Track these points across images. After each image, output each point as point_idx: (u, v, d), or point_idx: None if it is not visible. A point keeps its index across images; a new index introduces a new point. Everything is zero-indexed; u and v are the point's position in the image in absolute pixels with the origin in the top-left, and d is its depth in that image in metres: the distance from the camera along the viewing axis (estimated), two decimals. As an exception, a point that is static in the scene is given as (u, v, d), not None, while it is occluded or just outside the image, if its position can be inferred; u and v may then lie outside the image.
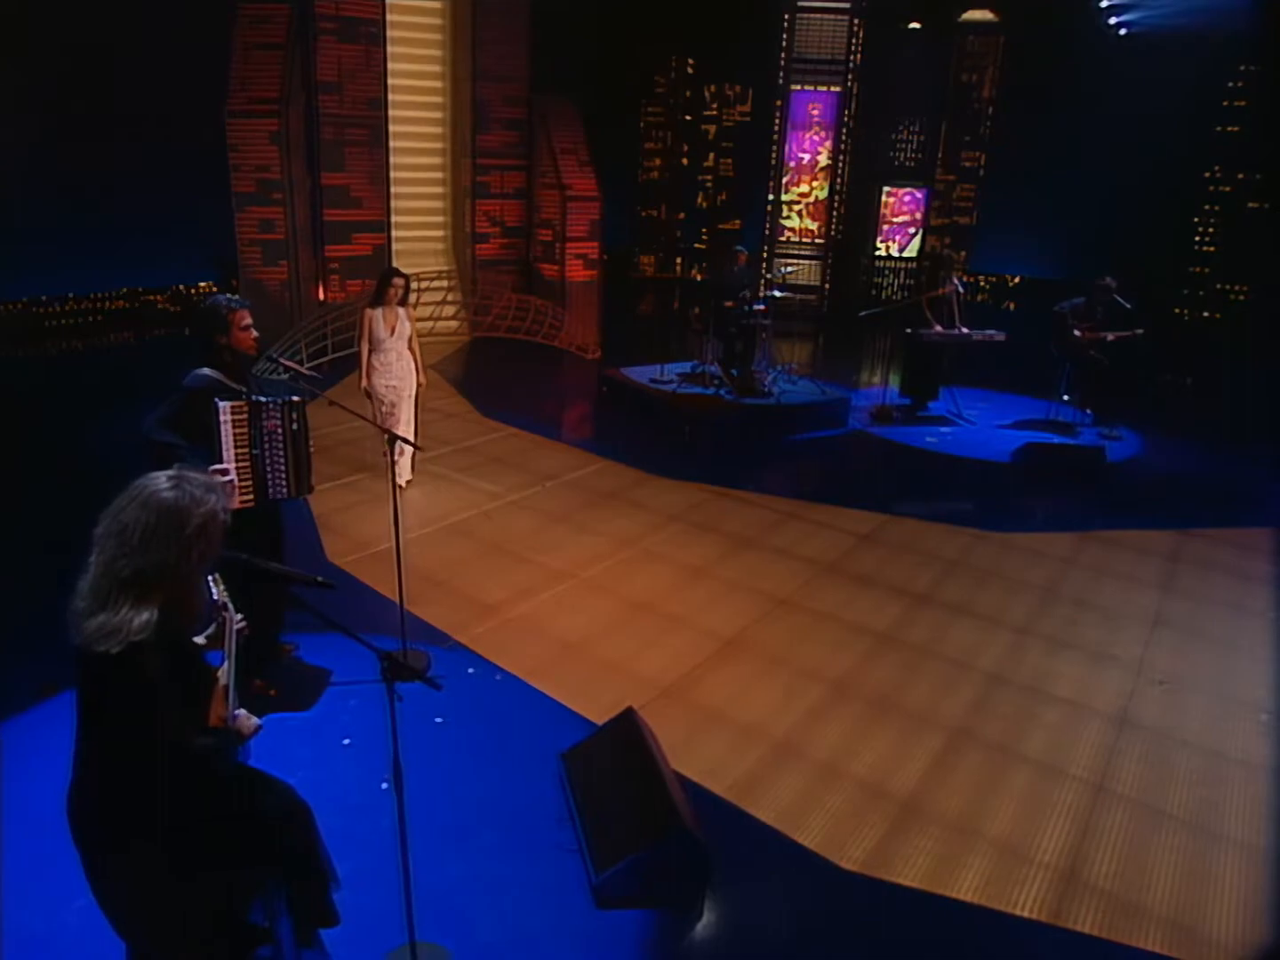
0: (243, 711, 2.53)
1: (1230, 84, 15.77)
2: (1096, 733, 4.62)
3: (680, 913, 3.38)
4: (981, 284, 19.84)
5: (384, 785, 3.98)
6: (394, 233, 14.60)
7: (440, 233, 15.52)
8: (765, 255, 17.95)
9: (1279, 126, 15.38)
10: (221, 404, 4.08)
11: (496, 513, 7.18)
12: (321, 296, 13.90)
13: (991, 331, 10.24)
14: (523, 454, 8.65)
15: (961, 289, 10.31)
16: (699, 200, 20.24)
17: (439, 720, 4.46)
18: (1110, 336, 9.69)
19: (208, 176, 13.14)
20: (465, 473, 8.00)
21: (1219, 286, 16.36)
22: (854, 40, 17.44)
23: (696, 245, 20.73)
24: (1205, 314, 16.45)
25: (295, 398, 4.32)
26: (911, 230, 18.15)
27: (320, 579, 2.64)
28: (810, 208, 18.06)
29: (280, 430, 4.21)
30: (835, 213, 18.03)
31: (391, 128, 14.18)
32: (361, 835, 3.56)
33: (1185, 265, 16.66)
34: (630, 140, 20.76)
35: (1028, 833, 3.88)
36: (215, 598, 2.70)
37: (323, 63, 13.10)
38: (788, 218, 18.23)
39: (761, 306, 9.82)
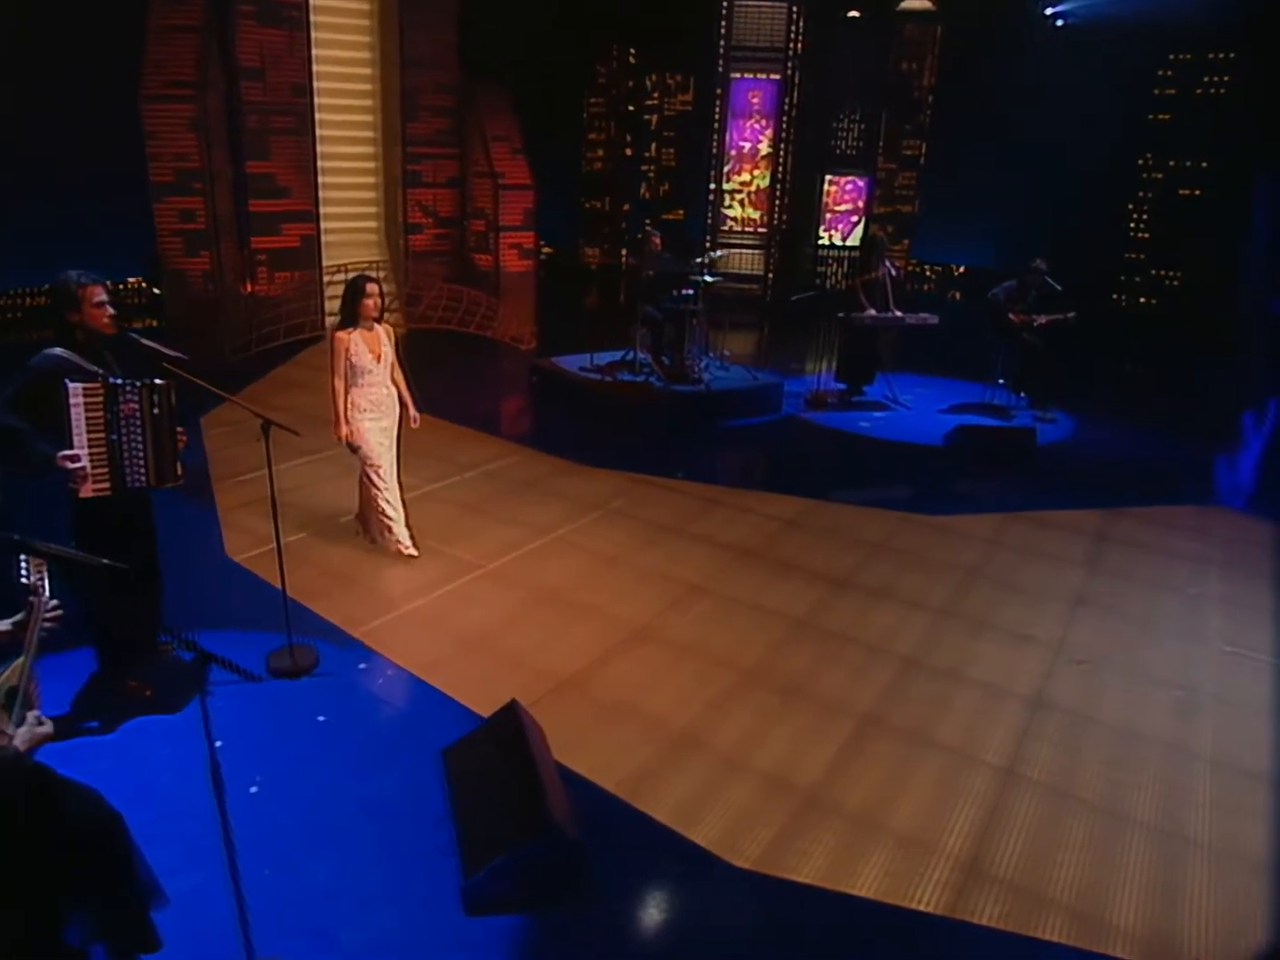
0: (32, 715, 2.26)
1: (1160, 72, 15.93)
2: (1011, 715, 4.48)
3: (554, 916, 3.17)
4: (927, 274, 19.85)
5: (253, 789, 3.73)
6: (324, 224, 14.21)
7: (373, 224, 15.14)
8: (708, 244, 17.80)
9: (1208, 115, 15.60)
10: (71, 385, 3.79)
11: (412, 504, 6.90)
12: (248, 289, 13.48)
13: (925, 315, 10.16)
14: (446, 445, 8.36)
15: (894, 272, 10.21)
16: (642, 191, 20.02)
17: (321, 719, 4.21)
18: (1042, 319, 9.67)
19: (131, 165, 12.67)
20: (382, 464, 7.69)
21: (1153, 273, 16.53)
22: (793, 28, 17.37)
23: (640, 236, 20.50)
24: (1140, 300, 16.61)
25: (159, 380, 4.04)
26: (854, 219, 18.10)
27: (107, 561, 2.39)
28: (752, 196, 17.95)
29: (139, 414, 3.93)
30: (778, 201, 17.94)
31: (318, 115, 13.80)
32: (217, 845, 3.30)
33: (1120, 252, 16.80)
34: (573, 131, 20.49)
35: (933, 822, 3.72)
36: (27, 580, 2.43)
37: (243, 47, 12.70)
38: (729, 207, 18.11)
39: (690, 291, 9.62)
